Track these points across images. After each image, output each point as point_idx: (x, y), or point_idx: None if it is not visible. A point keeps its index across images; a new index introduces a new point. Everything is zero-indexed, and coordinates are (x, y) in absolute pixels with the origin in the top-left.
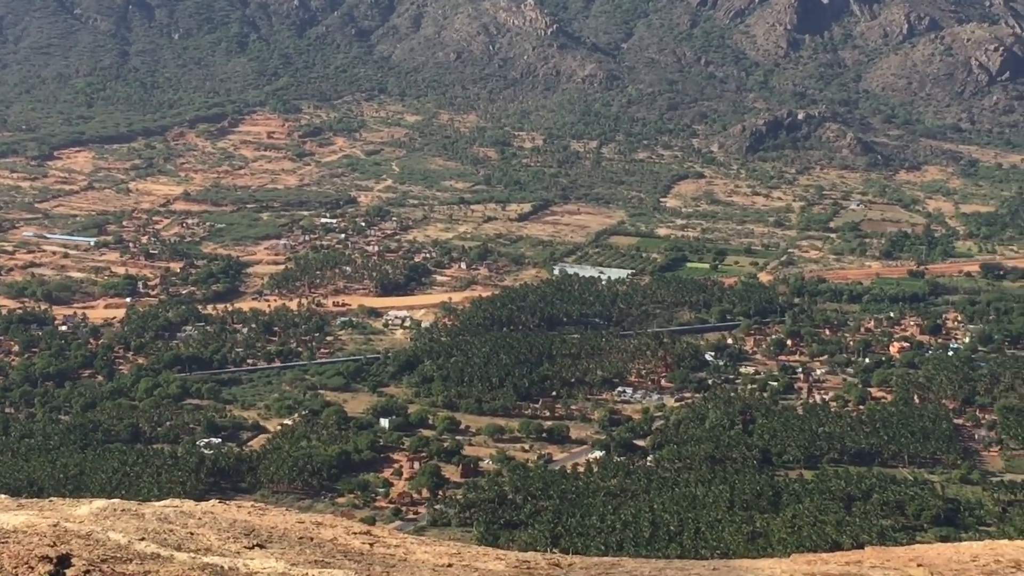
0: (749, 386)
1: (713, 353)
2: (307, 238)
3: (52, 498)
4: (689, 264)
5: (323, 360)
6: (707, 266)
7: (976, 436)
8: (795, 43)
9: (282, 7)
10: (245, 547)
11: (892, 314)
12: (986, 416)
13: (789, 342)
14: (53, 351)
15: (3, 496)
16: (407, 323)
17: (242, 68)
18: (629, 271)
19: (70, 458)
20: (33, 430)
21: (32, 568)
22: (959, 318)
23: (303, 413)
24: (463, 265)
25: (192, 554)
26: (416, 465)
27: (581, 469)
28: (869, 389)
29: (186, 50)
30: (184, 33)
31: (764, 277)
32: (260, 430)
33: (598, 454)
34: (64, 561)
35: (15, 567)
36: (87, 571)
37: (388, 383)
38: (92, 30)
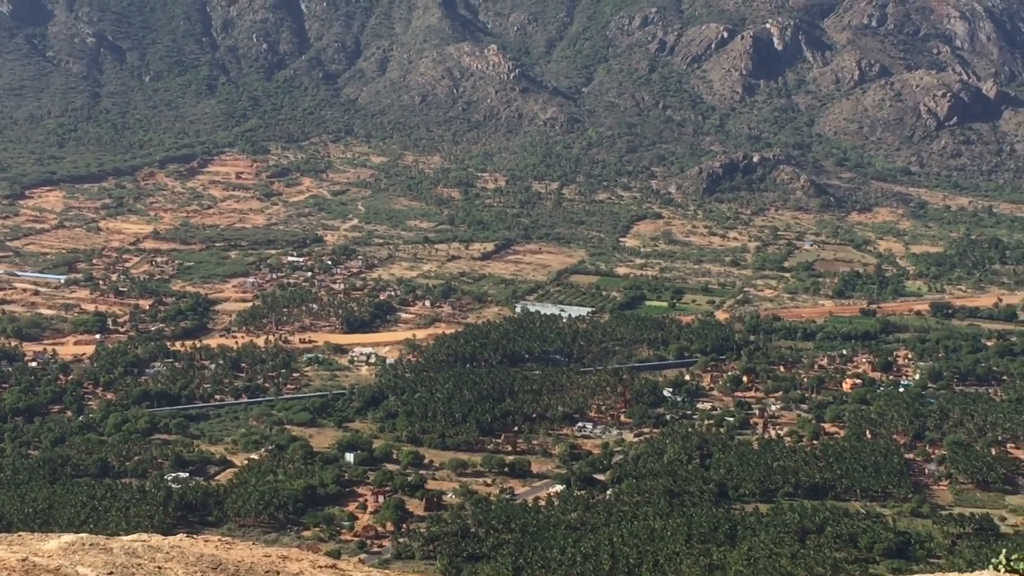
0: (706, 421)
1: (671, 389)
2: (274, 276)
3: (21, 532)
4: (648, 302)
5: (289, 396)
6: (665, 304)
7: (926, 470)
8: (750, 88)
9: (251, 51)
10: None
11: (845, 351)
12: (936, 451)
13: (745, 378)
14: (23, 387)
15: None
16: (372, 359)
17: (211, 110)
18: (589, 309)
19: (39, 492)
20: (2, 464)
21: None
22: (909, 355)
23: (269, 448)
24: (427, 303)
25: None
26: (380, 499)
27: (542, 503)
28: (822, 424)
29: (156, 92)
30: (155, 75)
31: (721, 315)
32: (227, 464)
33: (559, 488)
34: None
35: None
36: None
37: (353, 418)
38: (64, 72)
